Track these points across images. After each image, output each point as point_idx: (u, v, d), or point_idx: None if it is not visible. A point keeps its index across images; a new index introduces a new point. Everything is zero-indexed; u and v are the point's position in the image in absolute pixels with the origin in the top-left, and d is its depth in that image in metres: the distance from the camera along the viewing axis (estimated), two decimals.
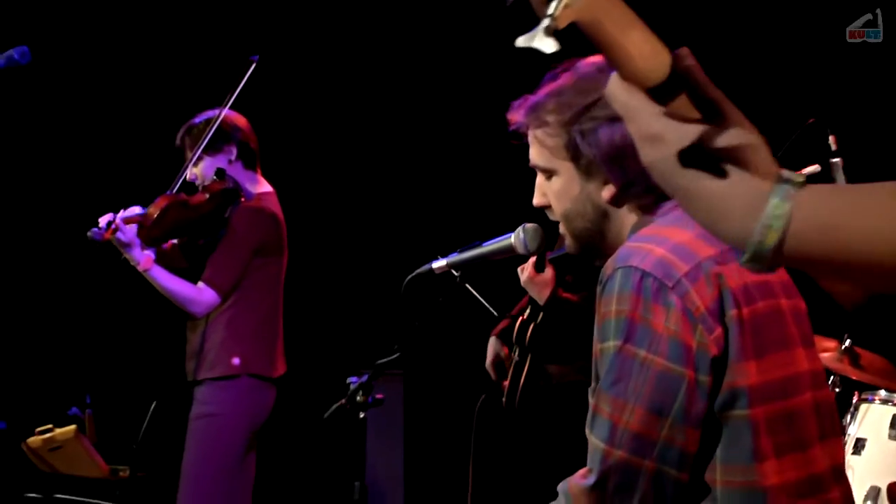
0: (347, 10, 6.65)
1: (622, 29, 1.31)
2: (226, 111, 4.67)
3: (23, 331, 6.72)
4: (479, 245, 2.57)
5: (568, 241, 2.37)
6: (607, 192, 2.26)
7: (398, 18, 6.58)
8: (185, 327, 4.89)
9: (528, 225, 2.46)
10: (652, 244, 2.14)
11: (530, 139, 2.35)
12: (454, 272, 2.63)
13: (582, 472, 2.16)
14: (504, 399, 4.52)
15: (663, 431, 2.06)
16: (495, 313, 4.98)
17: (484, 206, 6.35)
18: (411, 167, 6.67)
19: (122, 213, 4.45)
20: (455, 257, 2.60)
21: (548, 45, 1.23)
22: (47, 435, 5.45)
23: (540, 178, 2.37)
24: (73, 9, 6.63)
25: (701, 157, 1.31)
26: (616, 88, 1.36)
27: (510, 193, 6.10)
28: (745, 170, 1.30)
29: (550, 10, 1.24)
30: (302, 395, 5.78)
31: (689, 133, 1.32)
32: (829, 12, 5.14)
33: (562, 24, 1.25)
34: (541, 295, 4.31)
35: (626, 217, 2.28)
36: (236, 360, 4.58)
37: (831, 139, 3.87)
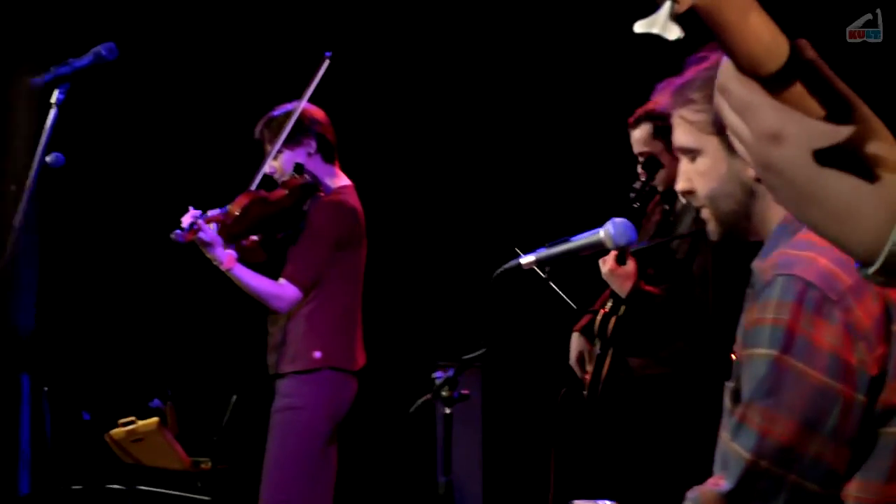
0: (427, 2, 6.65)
1: (741, 12, 1.25)
2: (304, 104, 4.68)
3: (107, 323, 6.80)
4: (567, 240, 2.54)
5: (711, 226, 2.32)
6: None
7: (476, 13, 6.57)
8: (264, 320, 4.91)
9: (617, 219, 2.43)
10: (815, 253, 2.08)
11: (675, 121, 2.32)
12: (542, 267, 2.59)
13: (713, 479, 2.12)
14: (586, 391, 4.51)
15: (813, 447, 2.00)
16: (574, 306, 4.97)
17: (565, 197, 6.33)
18: (492, 158, 6.65)
19: (201, 213, 4.46)
20: (543, 253, 2.57)
21: (671, 31, 1.18)
22: (130, 427, 5.49)
23: (684, 163, 2.33)
24: (153, 6, 6.68)
25: (826, 156, 1.22)
26: (730, 79, 1.29)
27: (592, 186, 6.11)
28: (877, 171, 1.21)
29: None
30: (386, 388, 5.80)
31: (814, 130, 1.24)
32: (829, 12, 5.08)
33: (683, 8, 1.20)
34: (622, 288, 4.29)
35: (772, 199, 2.21)
36: (317, 354, 4.59)
37: None
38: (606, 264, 4.47)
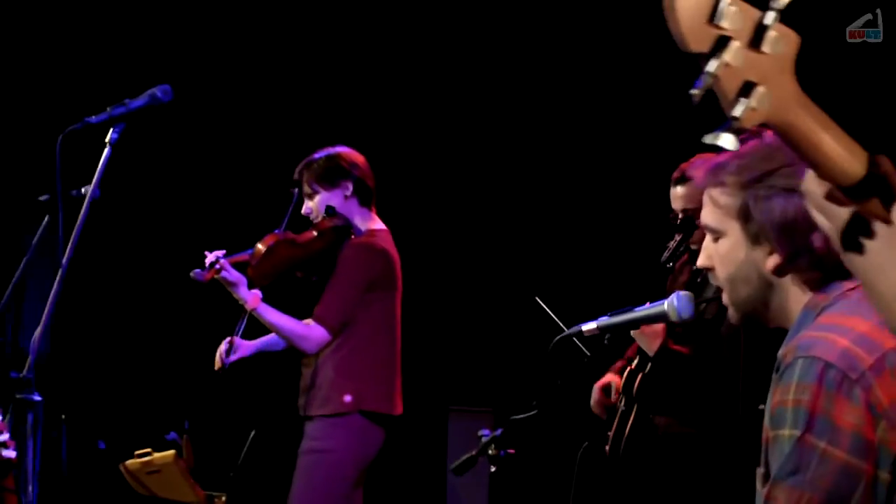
0: (462, 43, 6.71)
1: (814, 130, 1.33)
2: (345, 149, 4.74)
3: (128, 354, 6.82)
4: (630, 310, 2.58)
5: (731, 311, 2.35)
6: (772, 261, 2.24)
7: (510, 51, 6.62)
8: (285, 357, 4.94)
9: (682, 293, 2.47)
10: (835, 334, 2.12)
11: (705, 199, 2.34)
12: (602, 335, 2.63)
13: None
14: (608, 447, 4.53)
15: None
16: (587, 353, 4.99)
17: (592, 254, 6.35)
18: (532, 206, 6.68)
19: (224, 253, 4.50)
20: (606, 321, 2.61)
21: (729, 143, 1.29)
22: (146, 458, 5.49)
23: (707, 240, 2.36)
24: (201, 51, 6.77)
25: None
26: (812, 186, 1.37)
27: (620, 241, 6.15)
28: None
29: (736, 113, 1.26)
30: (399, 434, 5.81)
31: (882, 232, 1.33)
32: (829, 12, 5.12)
33: (747, 125, 1.27)
34: (650, 346, 4.32)
35: (791, 290, 2.26)
36: (348, 398, 4.61)
37: None
38: None
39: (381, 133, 5.40)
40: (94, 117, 3.50)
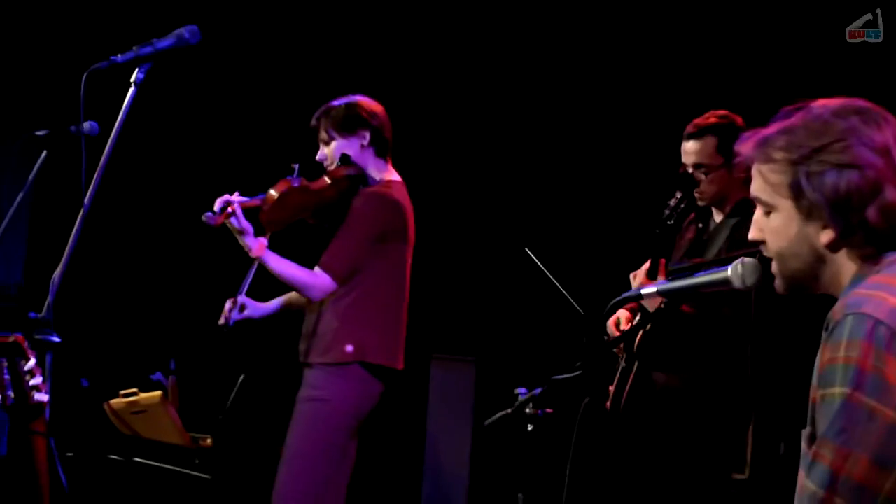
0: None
1: None
2: (364, 98, 4.69)
3: (115, 292, 6.75)
4: (692, 275, 2.56)
5: (778, 281, 2.36)
6: (826, 236, 2.25)
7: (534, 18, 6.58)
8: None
9: (747, 259, 2.45)
10: (885, 293, 2.15)
11: (754, 172, 2.34)
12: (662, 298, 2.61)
13: None
14: (609, 403, 4.55)
15: (887, 485, 2.06)
16: (581, 310, 5.00)
17: (592, 205, 6.33)
18: (525, 154, 6.65)
19: (238, 198, 4.44)
20: (666, 286, 2.58)
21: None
22: (132, 398, 5.46)
23: (758, 213, 2.36)
24: None
25: None
26: None
27: (618, 195, 6.14)
28: None
29: None
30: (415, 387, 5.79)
31: None
32: (829, 12, 5.13)
33: None
34: (651, 303, 4.32)
35: (844, 264, 2.27)
36: (350, 348, 4.56)
37: None
38: (637, 278, 4.51)
39: (387, 82, 5.35)
40: (119, 56, 3.43)
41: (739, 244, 4.41)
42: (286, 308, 4.89)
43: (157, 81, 3.54)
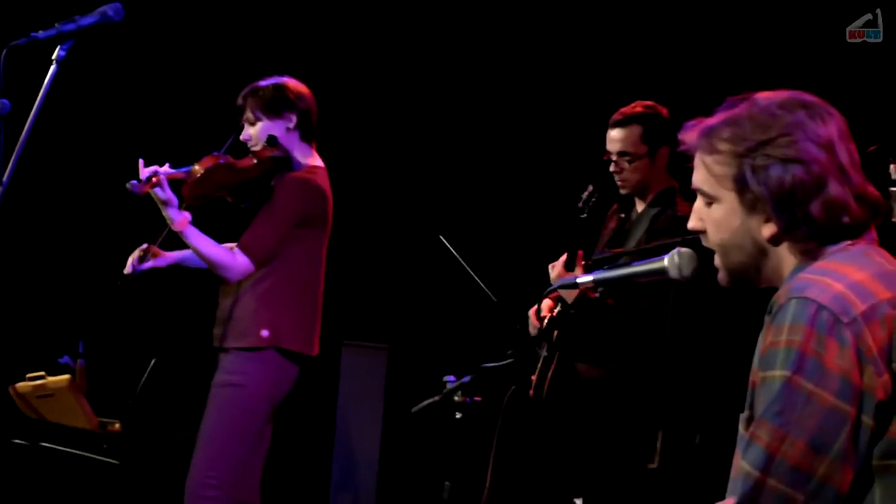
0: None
1: None
2: (292, 80, 4.64)
3: (21, 273, 6.61)
4: (627, 265, 2.56)
5: (721, 274, 2.36)
6: (768, 230, 2.25)
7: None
8: (193, 284, 4.86)
9: (683, 249, 2.46)
10: (829, 278, 2.16)
11: (697, 162, 2.34)
12: (597, 288, 2.61)
13: (727, 500, 2.17)
14: (531, 391, 4.56)
15: (821, 469, 2.07)
16: (494, 298, 5.00)
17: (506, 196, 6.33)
18: (441, 141, 6.63)
19: (165, 169, 4.38)
20: (601, 275, 2.58)
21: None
22: (39, 382, 5.35)
23: (699, 203, 2.36)
24: None
25: None
26: None
27: (531, 186, 6.15)
28: None
29: None
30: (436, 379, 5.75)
31: None
32: (829, 12, 5.18)
33: None
34: (569, 294, 4.35)
35: (786, 257, 2.27)
36: (265, 333, 4.52)
37: (892, 167, 3.87)
38: (555, 269, 4.53)
39: (307, 64, 5.30)
40: (41, 32, 3.35)
41: (658, 234, 4.46)
42: (184, 262, 4.81)
43: (79, 58, 3.47)
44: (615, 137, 4.61)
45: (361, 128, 6.67)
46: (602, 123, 4.73)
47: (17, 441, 5.24)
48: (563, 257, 4.52)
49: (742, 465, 2.13)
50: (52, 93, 3.38)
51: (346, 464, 6.62)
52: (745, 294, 2.39)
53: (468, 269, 4.98)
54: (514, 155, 6.38)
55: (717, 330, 4.68)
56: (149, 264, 4.65)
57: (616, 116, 4.63)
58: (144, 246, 4.65)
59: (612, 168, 4.64)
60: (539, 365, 4.53)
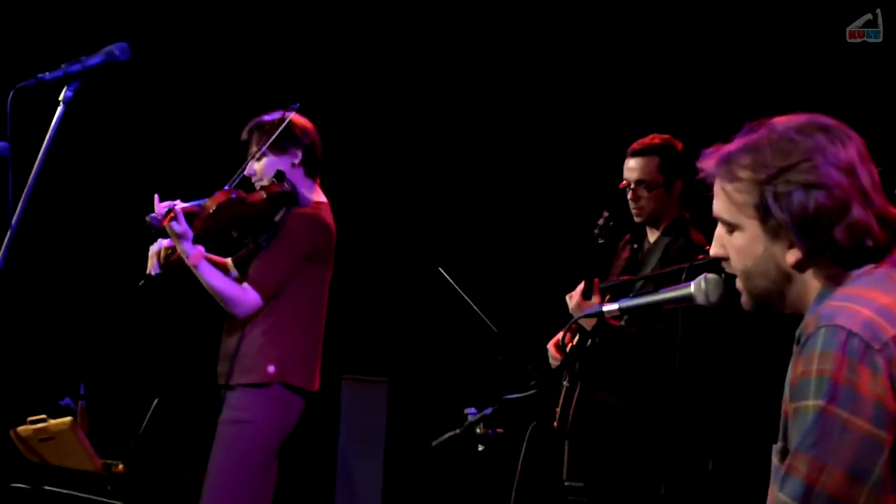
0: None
1: None
2: (297, 114, 4.64)
3: (21, 315, 6.58)
4: (653, 292, 2.55)
5: (745, 299, 2.34)
6: (792, 256, 2.24)
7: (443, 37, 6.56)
8: (193, 321, 4.84)
9: (710, 275, 2.45)
10: (858, 305, 2.14)
11: (717, 190, 2.32)
12: (622, 316, 2.61)
13: None
14: (556, 423, 4.57)
15: (860, 499, 2.06)
16: (495, 329, 4.99)
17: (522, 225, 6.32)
18: (441, 173, 6.62)
19: (180, 203, 4.38)
20: (628, 302, 2.57)
21: None
22: (40, 425, 5.32)
23: (720, 230, 2.34)
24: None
25: None
26: None
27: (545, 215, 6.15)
28: None
29: None
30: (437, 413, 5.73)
31: None
32: (829, 12, 5.19)
33: None
34: (588, 322, 4.36)
35: (811, 282, 2.26)
36: (272, 368, 4.50)
37: None
38: (573, 299, 4.54)
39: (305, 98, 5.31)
40: (48, 74, 3.34)
41: (671, 261, 4.48)
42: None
43: (86, 98, 3.46)
44: (634, 166, 4.72)
45: (358, 158, 6.66)
46: (606, 150, 4.76)
47: (18, 485, 5.20)
48: (581, 286, 4.53)
49: (780, 496, 2.11)
50: (59, 134, 3.36)
51: (348, 499, 6.58)
52: (759, 318, 2.38)
53: (468, 300, 4.96)
54: (513, 184, 6.38)
55: (729, 355, 4.68)
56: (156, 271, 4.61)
57: (635, 146, 4.74)
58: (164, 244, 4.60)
59: (629, 196, 4.72)
60: (562, 396, 4.54)
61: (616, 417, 4.53)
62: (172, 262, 4.60)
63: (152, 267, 4.60)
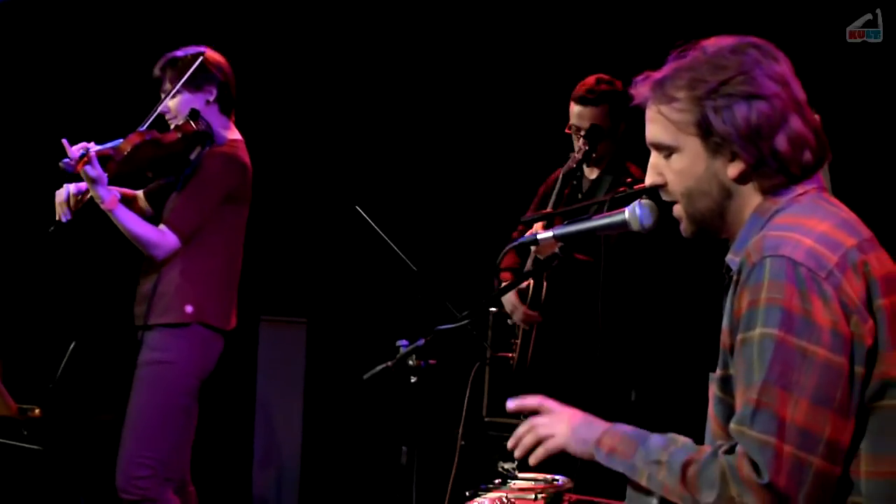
0: None
1: None
2: (209, 50, 4.56)
3: None
4: (588, 219, 2.54)
5: (684, 225, 2.34)
6: (735, 168, 2.24)
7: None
8: (107, 264, 4.78)
9: (644, 200, 2.44)
10: (798, 234, 2.15)
11: (651, 115, 2.32)
12: (558, 242, 2.59)
13: (738, 455, 2.09)
14: (515, 359, 4.59)
15: (827, 428, 2.06)
16: (414, 267, 4.98)
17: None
18: (360, 110, 6.57)
19: (93, 146, 4.29)
20: (562, 230, 2.55)
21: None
22: None
23: (655, 157, 2.34)
24: None
25: None
26: None
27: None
28: None
29: None
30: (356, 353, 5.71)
31: None
32: (829, 12, 5.19)
33: None
34: (545, 250, 4.33)
35: (750, 196, 2.27)
36: (189, 308, 4.45)
37: None
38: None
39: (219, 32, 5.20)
40: None
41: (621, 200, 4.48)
42: None
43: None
44: (584, 114, 4.75)
45: (278, 97, 6.58)
46: (527, 85, 4.75)
47: None
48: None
49: (753, 433, 2.07)
50: None
51: (268, 441, 6.57)
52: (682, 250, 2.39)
53: (386, 238, 4.94)
54: (429, 120, 6.34)
55: (652, 285, 4.71)
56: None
57: (582, 93, 4.77)
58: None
59: (578, 142, 4.75)
60: (519, 337, 4.58)
61: (576, 353, 4.56)
62: (83, 206, 4.52)
63: (63, 213, 4.50)
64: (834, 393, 2.08)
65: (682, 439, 2.22)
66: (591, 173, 4.84)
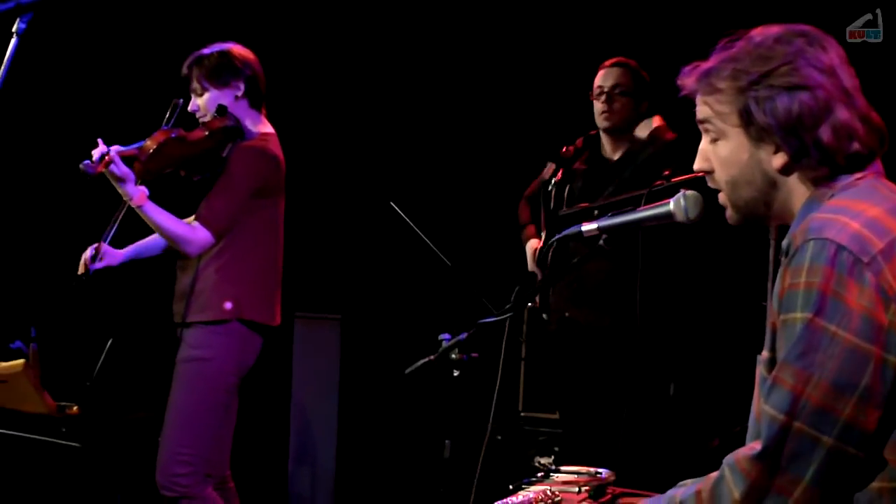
0: None
1: None
2: (236, 46, 4.57)
3: None
4: (633, 210, 2.54)
5: (730, 212, 2.34)
6: (778, 160, 2.24)
7: None
8: (147, 261, 4.80)
9: (689, 192, 2.44)
10: (846, 217, 2.14)
11: (699, 104, 2.33)
12: (602, 235, 2.59)
13: (749, 445, 2.16)
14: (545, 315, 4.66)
15: (847, 409, 2.06)
16: (448, 262, 4.99)
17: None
18: (392, 108, 6.58)
19: (116, 147, 4.31)
20: (607, 222, 2.56)
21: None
22: None
23: (704, 143, 2.35)
24: None
25: None
26: None
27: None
28: None
29: None
30: (391, 349, 5.72)
31: None
32: (829, 12, 5.19)
33: None
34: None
35: (796, 187, 2.26)
36: (228, 305, 4.46)
37: None
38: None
39: (255, 29, 5.21)
40: (1, 5, 3.28)
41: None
42: (138, 255, 4.77)
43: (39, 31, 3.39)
44: (609, 74, 4.94)
45: (314, 93, 6.59)
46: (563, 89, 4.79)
47: None
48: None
49: (766, 408, 2.11)
50: (13, 67, 3.30)
51: (303, 437, 6.58)
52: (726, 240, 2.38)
53: (420, 233, 4.94)
54: (465, 118, 6.35)
55: (690, 280, 4.70)
56: (102, 264, 4.58)
57: (609, 61, 4.99)
58: (95, 246, 4.56)
59: (601, 102, 4.92)
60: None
61: (592, 341, 4.57)
62: (100, 262, 4.59)
63: (82, 267, 4.60)
64: (858, 379, 2.07)
65: (691, 480, 2.24)
66: (615, 152, 4.95)
